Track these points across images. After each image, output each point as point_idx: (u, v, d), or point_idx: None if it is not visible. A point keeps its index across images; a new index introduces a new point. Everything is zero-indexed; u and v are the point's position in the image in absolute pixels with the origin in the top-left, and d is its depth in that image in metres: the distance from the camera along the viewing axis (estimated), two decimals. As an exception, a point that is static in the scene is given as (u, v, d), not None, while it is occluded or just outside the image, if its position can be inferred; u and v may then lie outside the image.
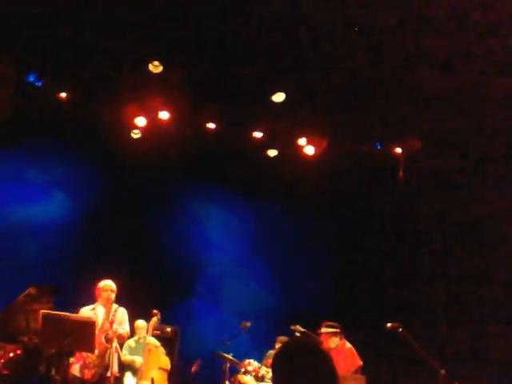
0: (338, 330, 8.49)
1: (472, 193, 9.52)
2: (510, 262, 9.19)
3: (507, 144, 9.05)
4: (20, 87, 9.54)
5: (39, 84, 9.64)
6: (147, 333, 9.06)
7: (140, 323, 9.38)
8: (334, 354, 8.22)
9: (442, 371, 6.60)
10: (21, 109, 9.68)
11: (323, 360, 2.61)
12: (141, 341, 9.37)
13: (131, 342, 9.30)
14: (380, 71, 8.97)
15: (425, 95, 9.14)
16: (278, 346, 9.29)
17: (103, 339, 7.23)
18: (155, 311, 8.92)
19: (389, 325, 7.21)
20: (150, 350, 8.96)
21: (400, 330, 7.11)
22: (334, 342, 8.46)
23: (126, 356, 9.13)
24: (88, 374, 7.24)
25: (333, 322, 8.57)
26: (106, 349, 7.24)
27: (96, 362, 7.24)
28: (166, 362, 9.28)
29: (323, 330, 8.52)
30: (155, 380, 8.69)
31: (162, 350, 9.44)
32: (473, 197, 9.53)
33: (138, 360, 9.04)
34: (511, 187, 9.14)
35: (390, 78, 9.03)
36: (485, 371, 8.86)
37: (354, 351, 8.44)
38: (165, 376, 9.21)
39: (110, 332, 7.25)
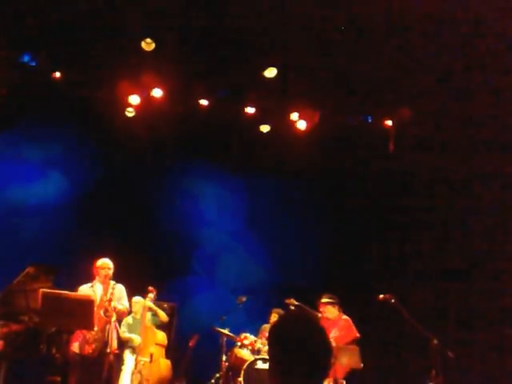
0: (334, 301, 8.63)
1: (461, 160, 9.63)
2: (497, 225, 9.31)
3: (498, 110, 9.09)
4: (14, 68, 9.54)
5: (33, 64, 9.63)
6: (143, 310, 9.19)
7: (137, 299, 9.46)
8: (330, 325, 8.38)
9: (434, 340, 6.76)
10: (16, 89, 9.68)
11: (318, 333, 2.65)
12: (138, 317, 9.45)
13: (129, 319, 9.36)
14: (369, 43, 8.96)
15: (415, 66, 9.16)
16: (273, 317, 9.43)
17: (102, 313, 7.38)
18: (151, 288, 9.04)
19: (381, 296, 7.35)
20: (146, 327, 9.09)
21: (392, 301, 7.26)
22: (332, 313, 8.59)
23: (125, 334, 9.20)
24: (88, 349, 7.38)
25: (331, 295, 8.72)
26: (106, 323, 7.39)
27: (96, 337, 7.37)
28: (162, 338, 9.41)
29: (323, 300, 8.65)
30: (154, 356, 8.83)
31: (162, 313, 9.56)
32: (462, 165, 9.64)
33: (135, 339, 9.12)
34: (502, 152, 9.20)
35: (380, 49, 9.03)
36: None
37: (351, 323, 8.53)
38: (162, 351, 9.36)
39: (109, 309, 7.40)
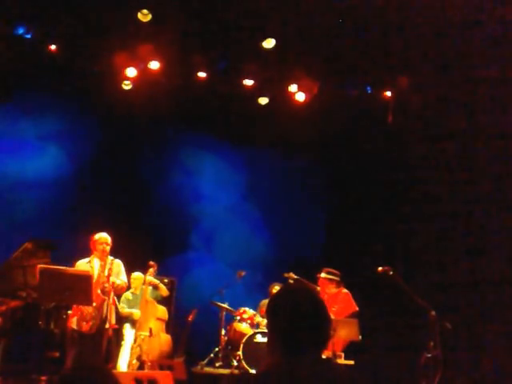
0: (335, 278, 8.61)
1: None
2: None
3: (497, 81, 9.02)
4: (9, 40, 9.42)
5: (28, 36, 9.51)
6: (144, 284, 9.18)
7: (136, 275, 9.44)
8: (330, 298, 8.40)
9: (432, 312, 6.76)
10: (10, 62, 9.57)
11: (316, 304, 2.67)
12: (137, 292, 9.44)
13: (128, 295, 9.35)
14: (369, 13, 8.84)
15: (416, 38, 9.05)
16: (273, 292, 9.42)
17: (99, 291, 7.36)
18: (152, 263, 8.98)
19: (380, 268, 7.34)
20: (147, 301, 9.08)
21: (391, 273, 7.25)
22: (330, 289, 8.61)
23: (125, 309, 9.20)
24: (86, 327, 7.35)
25: (334, 270, 8.69)
26: (103, 301, 7.35)
27: (93, 314, 7.34)
28: (163, 313, 9.41)
29: (322, 274, 8.65)
30: (153, 330, 8.82)
31: (163, 287, 9.52)
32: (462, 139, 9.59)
33: (135, 313, 9.11)
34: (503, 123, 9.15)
35: (380, 19, 8.91)
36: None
37: (350, 297, 8.57)
38: (162, 326, 9.39)
39: (107, 285, 7.37)
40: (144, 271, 9.14)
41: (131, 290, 9.41)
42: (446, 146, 9.70)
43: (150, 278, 9.08)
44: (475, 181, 9.35)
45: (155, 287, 9.43)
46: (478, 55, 8.75)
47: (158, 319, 9.25)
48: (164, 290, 9.56)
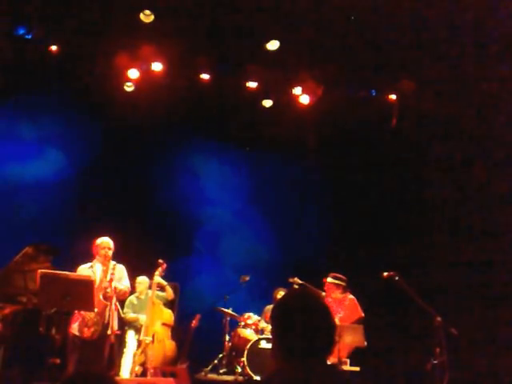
0: (341, 284, 8.55)
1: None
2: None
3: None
4: (9, 41, 9.35)
5: (29, 37, 9.44)
6: (152, 282, 8.98)
7: (141, 279, 9.33)
8: (335, 304, 8.37)
9: (438, 318, 6.69)
10: (11, 63, 9.49)
11: (321, 310, 2.64)
12: (142, 297, 9.33)
13: (133, 299, 9.25)
14: (374, 16, 8.78)
15: (422, 42, 9.00)
16: (278, 297, 9.34)
17: (101, 297, 7.25)
18: (161, 261, 8.83)
19: (385, 274, 7.29)
20: (153, 303, 8.87)
21: (396, 278, 7.19)
22: (336, 294, 8.55)
23: (130, 314, 9.09)
24: (87, 333, 7.27)
25: (340, 275, 8.61)
26: (105, 306, 7.26)
27: (95, 320, 7.26)
28: (169, 317, 9.13)
29: (329, 279, 8.58)
30: (158, 335, 8.67)
31: (169, 290, 9.35)
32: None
33: (141, 318, 8.97)
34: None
35: (385, 22, 8.85)
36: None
37: (356, 302, 8.55)
38: (168, 332, 9.09)
39: (109, 290, 7.27)
40: (148, 275, 9.06)
41: (136, 295, 9.30)
42: (451, 148, 9.68)
43: (158, 278, 8.91)
44: (485, 184, 9.31)
45: (162, 289, 9.29)
46: (485, 56, 8.70)
47: (164, 324, 8.99)
48: (170, 293, 9.41)
